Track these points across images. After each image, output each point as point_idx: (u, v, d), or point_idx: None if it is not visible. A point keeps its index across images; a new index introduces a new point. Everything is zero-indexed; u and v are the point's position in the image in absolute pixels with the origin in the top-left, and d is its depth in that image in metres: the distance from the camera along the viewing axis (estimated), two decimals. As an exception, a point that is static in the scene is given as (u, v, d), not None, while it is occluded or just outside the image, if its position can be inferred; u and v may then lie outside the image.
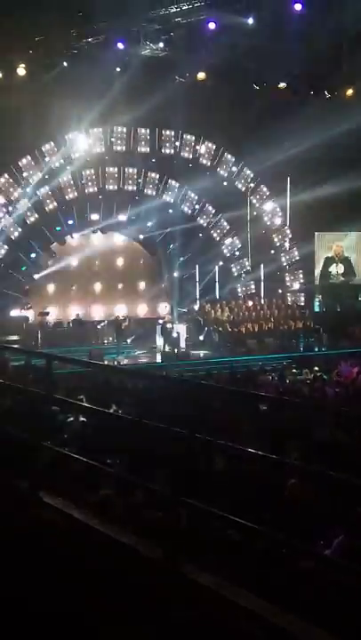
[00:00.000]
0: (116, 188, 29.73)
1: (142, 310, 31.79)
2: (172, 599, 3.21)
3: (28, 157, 27.85)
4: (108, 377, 16.16)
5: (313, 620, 3.33)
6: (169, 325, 27.51)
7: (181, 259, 31.23)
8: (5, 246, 27.97)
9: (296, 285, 32.46)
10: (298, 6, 25.23)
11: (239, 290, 31.88)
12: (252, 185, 31.56)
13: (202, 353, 26.96)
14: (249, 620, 3.06)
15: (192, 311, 30.41)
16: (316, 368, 21.34)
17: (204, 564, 4.30)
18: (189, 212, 31.01)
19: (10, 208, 27.90)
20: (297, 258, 32.19)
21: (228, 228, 31.47)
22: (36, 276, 29.26)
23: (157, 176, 30.27)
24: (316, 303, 32.57)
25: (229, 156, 30.90)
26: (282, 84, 29.16)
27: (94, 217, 29.84)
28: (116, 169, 29.65)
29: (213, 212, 31.21)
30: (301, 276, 32.32)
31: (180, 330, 27.51)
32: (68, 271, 30.35)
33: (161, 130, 29.84)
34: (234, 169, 31.20)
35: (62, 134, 28.14)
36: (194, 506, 4.22)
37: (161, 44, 26.56)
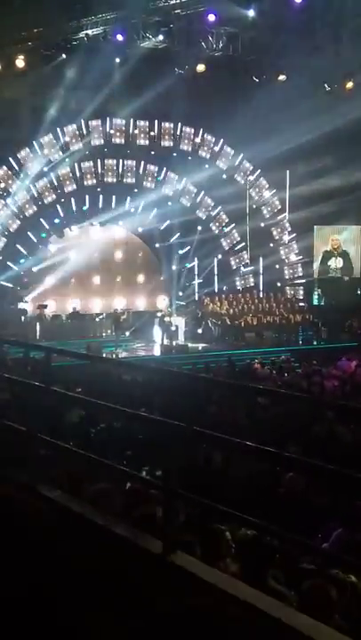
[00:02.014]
0: (114, 180, 29.68)
1: (141, 303, 31.76)
2: (172, 592, 3.20)
3: (27, 149, 27.79)
4: (106, 370, 16.15)
5: (313, 613, 3.32)
6: (167, 318, 27.52)
7: (180, 251, 31.20)
8: (3, 239, 27.93)
9: (295, 279, 32.46)
10: (298, -2, 25.12)
11: (238, 283, 31.87)
12: (251, 178, 31.54)
13: (200, 346, 26.94)
14: (248, 613, 3.05)
15: (191, 304, 30.40)
16: (315, 362, 21.36)
17: (203, 558, 4.29)
18: (188, 204, 30.98)
19: (8, 200, 27.83)
20: (296, 251, 32.19)
21: (227, 220, 31.46)
22: (35, 269, 29.21)
23: (156, 168, 30.22)
24: (315, 297, 32.56)
25: (229, 149, 30.86)
26: (281, 77, 29.04)
27: (93, 209, 29.78)
28: (114, 161, 29.60)
29: (212, 204, 31.20)
30: (300, 269, 32.32)
31: (179, 323, 27.53)
32: (67, 264, 30.29)
33: (160, 122, 29.76)
34: (233, 161, 31.16)
35: (61, 126, 28.05)
36: (192, 499, 4.21)
37: (160, 36, 26.43)
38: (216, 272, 31.91)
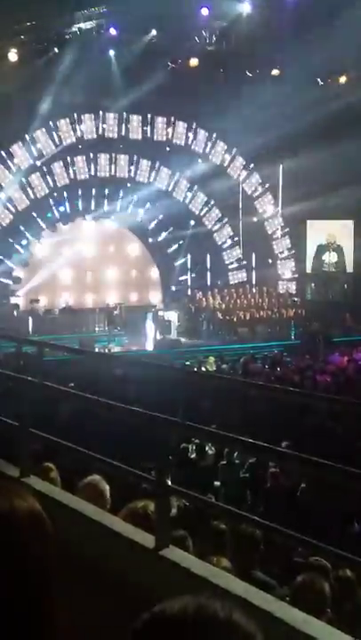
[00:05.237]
0: (107, 174, 29.61)
1: (133, 298, 31.73)
2: (166, 587, 3.20)
3: (19, 143, 27.70)
4: (98, 364, 16.12)
5: (305, 607, 3.33)
6: (160, 313, 27.50)
7: (173, 246, 31.18)
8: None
9: (288, 274, 32.49)
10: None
11: (231, 278, 31.88)
12: (244, 172, 31.53)
13: (193, 341, 26.93)
14: (240, 606, 3.05)
15: (184, 299, 30.38)
16: (307, 356, 21.41)
17: (197, 553, 4.30)
18: (181, 199, 30.94)
19: (0, 194, 27.75)
20: (289, 246, 32.21)
21: (220, 215, 31.44)
22: (27, 263, 29.15)
23: (149, 163, 30.16)
24: (308, 291, 32.60)
25: (222, 144, 30.84)
26: (275, 71, 29.03)
27: (86, 204, 29.71)
28: (107, 155, 29.52)
29: (205, 199, 31.16)
30: (293, 264, 32.35)
31: (172, 318, 27.50)
32: (59, 258, 30.24)
33: (153, 116, 29.70)
34: (226, 156, 31.16)
35: (54, 120, 27.97)
36: (185, 494, 4.21)
37: (153, 31, 26.38)
38: (209, 267, 31.91)
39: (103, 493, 5.05)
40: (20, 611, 1.31)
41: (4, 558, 1.34)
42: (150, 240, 31.45)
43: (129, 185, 30.07)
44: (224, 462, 10.27)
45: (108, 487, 5.12)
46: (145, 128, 29.81)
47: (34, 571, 1.36)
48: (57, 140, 28.34)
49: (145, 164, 30.11)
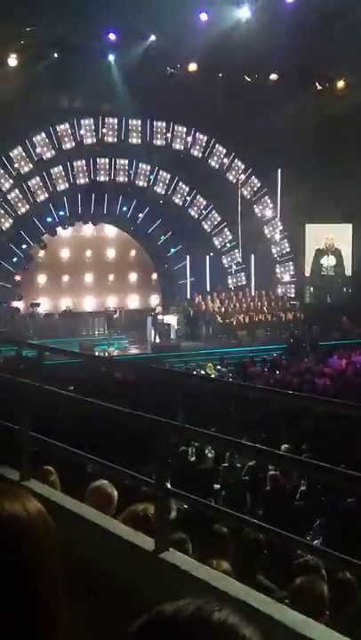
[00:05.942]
0: (107, 179, 29.64)
1: (133, 302, 31.75)
2: (165, 590, 3.22)
3: (19, 148, 27.74)
4: (98, 368, 16.16)
5: (304, 610, 3.34)
6: (160, 317, 27.52)
7: (172, 250, 31.19)
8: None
9: (286, 277, 32.51)
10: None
11: (230, 281, 31.89)
12: (243, 176, 31.53)
13: (192, 344, 26.94)
14: (241, 611, 3.06)
15: (183, 303, 30.38)
16: (306, 360, 21.43)
17: (197, 556, 4.31)
18: (180, 203, 30.95)
19: (0, 199, 27.79)
20: (287, 249, 32.22)
21: (218, 219, 31.45)
22: (27, 267, 29.17)
23: (148, 167, 30.20)
24: (307, 295, 32.60)
25: (220, 148, 30.86)
26: (273, 76, 29.07)
27: (85, 208, 29.73)
28: (107, 160, 29.55)
29: (204, 203, 31.18)
30: (292, 267, 32.37)
31: (171, 321, 27.51)
32: (59, 262, 30.28)
33: (152, 121, 29.73)
34: (225, 160, 31.17)
35: (53, 125, 28.01)
36: (185, 497, 4.23)
37: (153, 36, 26.43)
38: (208, 271, 31.91)
39: (111, 498, 5.05)
40: (26, 613, 1.33)
41: (17, 560, 1.35)
42: (150, 244, 31.47)
43: (128, 189, 30.10)
44: (225, 465, 10.29)
45: (116, 492, 5.12)
46: (144, 133, 29.83)
47: (42, 573, 1.37)
48: (57, 144, 28.38)
49: (144, 168, 30.15)
